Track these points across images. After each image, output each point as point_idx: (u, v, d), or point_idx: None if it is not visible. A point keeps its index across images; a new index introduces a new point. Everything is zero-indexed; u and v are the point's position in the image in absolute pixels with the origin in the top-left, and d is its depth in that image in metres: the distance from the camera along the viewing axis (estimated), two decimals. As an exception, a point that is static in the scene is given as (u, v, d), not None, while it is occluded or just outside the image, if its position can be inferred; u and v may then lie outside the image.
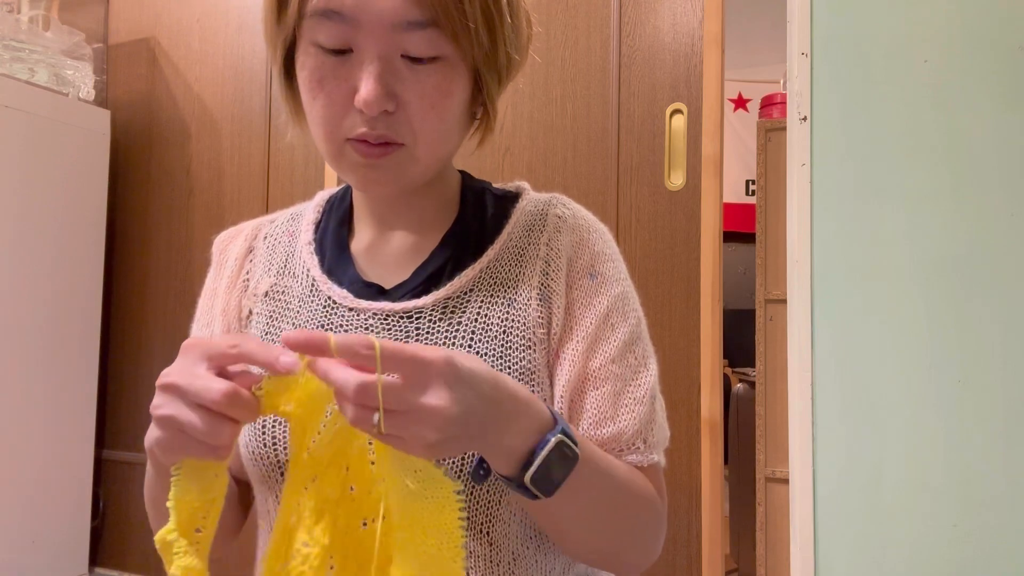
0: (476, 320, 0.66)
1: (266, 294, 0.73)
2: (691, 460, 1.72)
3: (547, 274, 0.69)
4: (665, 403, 0.71)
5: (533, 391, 0.65)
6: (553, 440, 0.53)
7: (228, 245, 0.78)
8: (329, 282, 0.70)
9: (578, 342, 0.67)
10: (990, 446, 1.25)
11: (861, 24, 1.36)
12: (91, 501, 2.27)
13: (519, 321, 0.66)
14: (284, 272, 0.73)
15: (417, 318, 0.66)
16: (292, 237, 0.76)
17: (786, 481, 1.52)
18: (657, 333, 1.71)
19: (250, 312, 0.73)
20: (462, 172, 0.78)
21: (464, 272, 0.68)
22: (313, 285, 0.71)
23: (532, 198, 0.74)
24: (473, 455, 0.61)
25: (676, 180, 1.77)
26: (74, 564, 2.22)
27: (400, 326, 0.66)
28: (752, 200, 3.74)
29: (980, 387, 1.26)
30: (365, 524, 0.52)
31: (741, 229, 3.55)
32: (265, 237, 0.77)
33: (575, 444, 0.55)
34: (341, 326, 0.67)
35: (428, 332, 0.65)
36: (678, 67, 1.79)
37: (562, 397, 0.66)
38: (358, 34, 0.59)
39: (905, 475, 1.29)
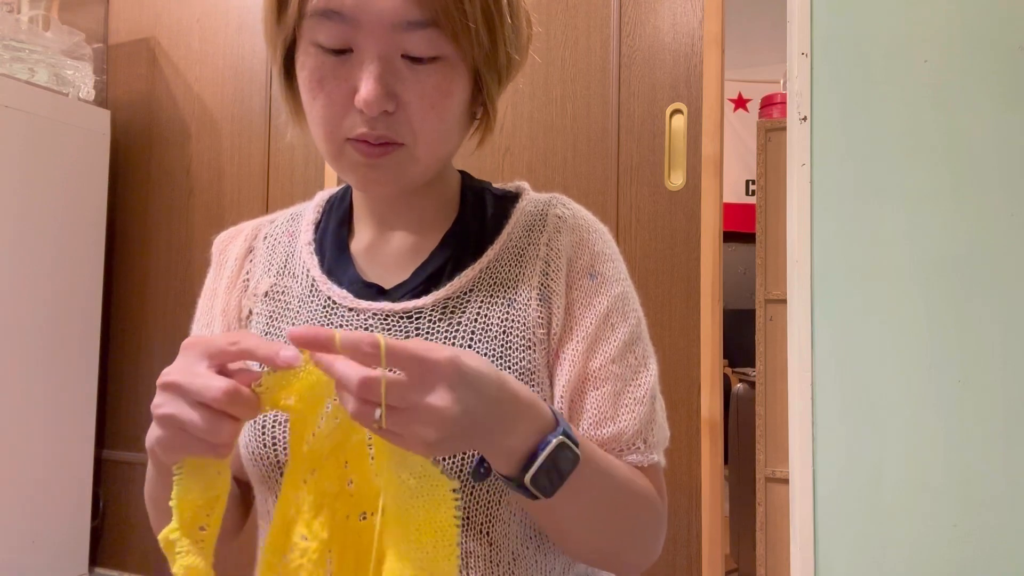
0: (476, 320, 0.66)
1: (266, 294, 0.73)
2: (691, 460, 1.72)
3: (547, 274, 0.69)
4: (665, 403, 0.71)
5: (533, 391, 0.65)
6: (554, 441, 0.53)
7: (228, 245, 0.78)
8: (329, 282, 0.70)
9: (578, 342, 0.67)
10: (990, 446, 1.25)
11: (861, 24, 1.36)
12: (91, 501, 2.27)
13: (519, 321, 0.66)
14: (284, 272, 0.73)
15: (417, 318, 0.66)
16: (292, 237, 0.76)
17: (786, 481, 1.52)
18: (657, 333, 1.71)
19: (250, 312, 0.73)
20: (462, 172, 0.78)
21: (464, 272, 0.68)
22: (313, 285, 0.71)
23: (532, 198, 0.74)
24: (474, 453, 0.61)
25: (676, 180, 1.77)
26: (74, 564, 2.22)
27: (400, 326, 0.66)
28: (752, 200, 3.74)
29: (980, 387, 1.26)
30: (364, 517, 0.53)
31: (741, 229, 3.55)
32: (265, 237, 0.77)
33: (576, 445, 0.55)
34: (341, 326, 0.67)
35: (428, 332, 0.65)
36: (678, 67, 1.79)
37: (562, 397, 0.66)
38: (358, 34, 0.59)
39: (905, 475, 1.29)
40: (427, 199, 0.72)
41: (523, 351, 0.65)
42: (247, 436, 0.67)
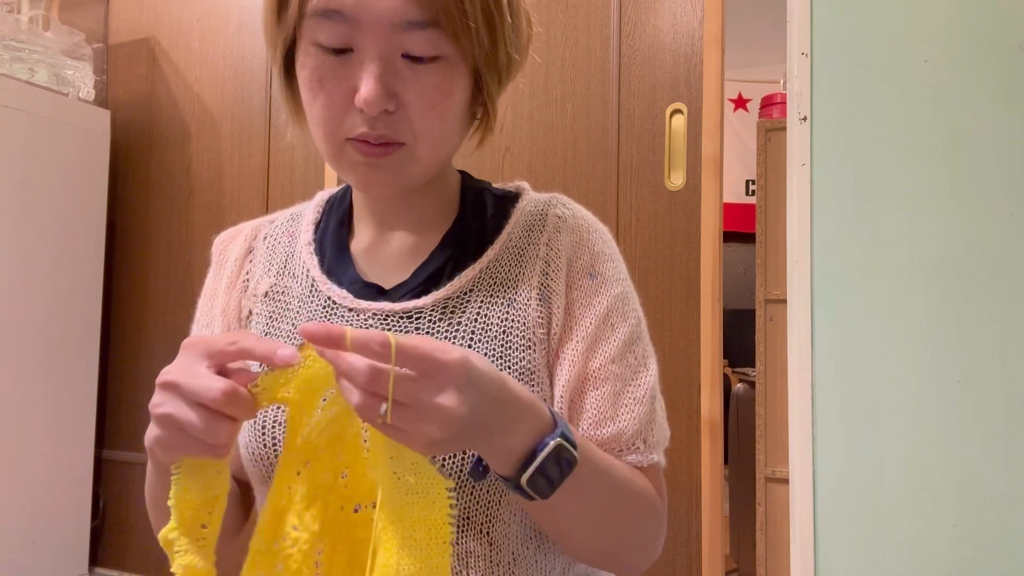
0: (476, 320, 0.66)
1: (266, 294, 0.73)
2: (691, 460, 1.72)
3: (547, 274, 0.69)
4: (665, 403, 0.71)
5: (533, 391, 0.65)
6: (552, 443, 0.53)
7: (228, 245, 0.78)
8: (329, 282, 0.70)
9: (578, 342, 0.67)
10: (990, 446, 1.25)
11: (861, 24, 1.36)
12: (91, 501, 2.27)
13: (519, 321, 0.66)
14: (284, 272, 0.73)
15: (417, 318, 0.66)
16: (292, 237, 0.76)
17: (786, 481, 1.52)
18: (657, 333, 1.71)
19: (250, 312, 0.73)
20: (462, 172, 0.78)
21: (464, 272, 0.68)
22: (313, 285, 0.71)
23: (532, 198, 0.74)
24: (472, 453, 0.61)
25: (676, 180, 1.77)
26: (74, 564, 2.22)
27: (400, 326, 0.66)
28: (752, 200, 3.74)
29: (980, 387, 1.26)
30: (358, 509, 0.53)
31: (741, 229, 3.55)
32: (265, 237, 0.77)
33: (574, 447, 0.55)
34: (341, 326, 0.67)
35: (428, 332, 0.65)
36: (678, 67, 1.79)
37: (562, 397, 0.66)
38: (358, 34, 0.59)
39: (905, 475, 1.29)
40: (427, 199, 0.72)
41: (523, 351, 0.65)
42: (247, 436, 0.67)
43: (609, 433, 0.65)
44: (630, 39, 1.84)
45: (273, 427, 0.65)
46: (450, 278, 0.68)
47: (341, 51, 0.60)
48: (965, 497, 1.25)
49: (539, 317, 0.67)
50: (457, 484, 0.61)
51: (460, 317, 0.66)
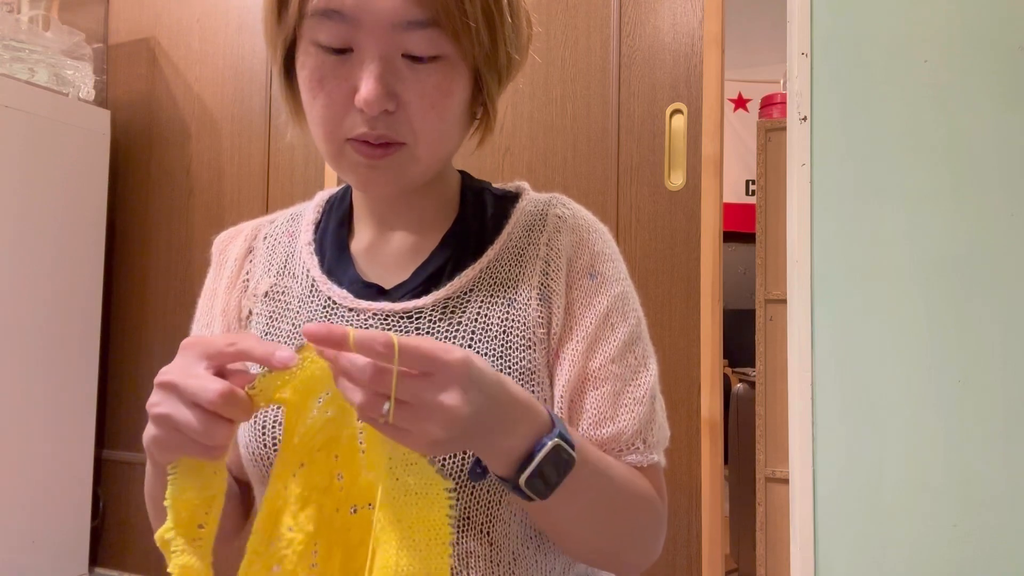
0: (476, 320, 0.66)
1: (266, 294, 0.73)
2: (691, 460, 1.72)
3: (547, 274, 0.69)
4: (665, 403, 0.71)
5: (533, 391, 0.65)
6: (549, 444, 0.53)
7: (228, 245, 0.78)
8: (329, 282, 0.70)
9: (578, 342, 0.67)
10: (990, 446, 1.25)
11: (861, 24, 1.36)
12: (91, 501, 2.27)
13: (519, 321, 0.66)
14: (284, 272, 0.73)
15: (417, 318, 0.66)
16: (292, 237, 0.76)
17: (786, 481, 1.52)
18: (657, 333, 1.71)
19: (250, 312, 0.73)
20: (462, 172, 0.78)
21: (464, 272, 0.68)
22: (313, 285, 0.71)
23: (532, 198, 0.74)
24: (470, 454, 0.61)
25: (676, 180, 1.77)
26: (74, 564, 2.22)
27: (400, 326, 0.66)
28: (752, 200, 3.74)
29: (980, 387, 1.26)
30: (354, 510, 0.53)
31: (741, 229, 3.55)
32: (265, 237, 0.77)
33: (572, 447, 0.55)
34: (341, 326, 0.67)
35: (428, 332, 0.65)
36: (678, 67, 1.79)
37: (562, 397, 0.66)
38: (359, 34, 0.59)
39: (905, 475, 1.29)
40: (427, 199, 0.72)
41: (523, 351, 0.65)
42: (247, 436, 0.67)
43: (609, 433, 0.65)
44: (630, 39, 1.84)
45: (273, 427, 0.65)
46: (450, 278, 0.68)
47: (341, 51, 0.60)
48: (965, 497, 1.25)
49: (539, 317, 0.67)
50: (457, 484, 0.61)
51: (460, 317, 0.66)
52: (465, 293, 0.67)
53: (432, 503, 0.49)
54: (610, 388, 0.66)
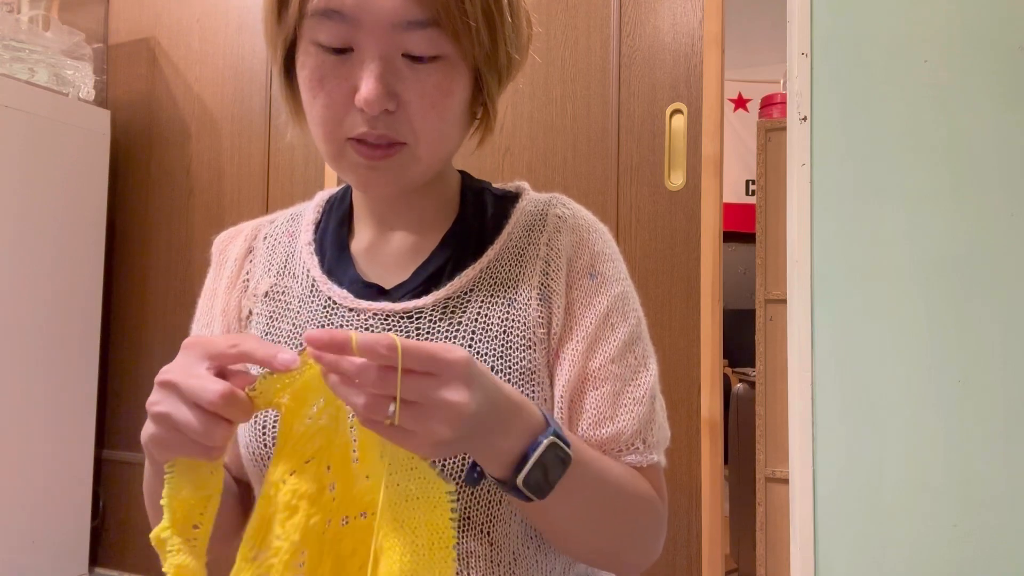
0: (476, 320, 0.66)
1: (266, 294, 0.73)
2: (691, 460, 1.72)
3: (547, 274, 0.69)
4: (665, 403, 0.71)
5: (533, 391, 0.65)
6: (545, 442, 0.53)
7: (228, 245, 0.78)
8: (329, 282, 0.70)
9: (578, 342, 0.67)
10: (990, 446, 1.25)
11: (861, 24, 1.36)
12: (91, 501, 2.27)
13: (519, 321, 0.66)
14: (284, 272, 0.73)
15: (417, 318, 0.66)
16: (292, 237, 0.76)
17: (786, 481, 1.52)
18: (657, 333, 1.71)
19: (250, 312, 0.73)
20: (462, 172, 0.78)
21: (464, 272, 0.68)
22: (313, 285, 0.70)
23: (532, 198, 0.74)
24: (467, 458, 0.61)
25: (676, 180, 1.77)
26: (74, 564, 2.22)
27: (400, 326, 0.66)
28: (752, 200, 3.74)
29: (980, 387, 1.26)
30: (346, 521, 0.52)
31: (741, 229, 3.55)
32: (265, 237, 0.77)
33: (567, 446, 0.55)
34: (341, 326, 0.67)
35: (428, 332, 0.65)
36: (678, 67, 1.79)
37: (562, 397, 0.66)
38: (359, 33, 0.59)
39: (905, 475, 1.29)
40: (427, 199, 0.72)
41: (523, 351, 0.65)
42: (247, 436, 0.67)
43: (608, 433, 0.65)
44: (630, 39, 1.84)
45: (273, 427, 0.65)
46: (450, 278, 0.68)
47: (341, 51, 0.60)
48: (965, 497, 1.25)
49: (539, 317, 0.67)
50: (457, 485, 0.61)
51: (460, 317, 0.66)
52: (465, 293, 0.67)
53: (434, 506, 0.49)
54: (610, 388, 0.66)
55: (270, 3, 0.63)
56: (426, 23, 0.59)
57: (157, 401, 0.49)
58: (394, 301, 0.67)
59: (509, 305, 0.67)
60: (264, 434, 0.65)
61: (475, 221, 0.72)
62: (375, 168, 0.63)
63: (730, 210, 3.22)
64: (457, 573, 0.62)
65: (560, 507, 0.57)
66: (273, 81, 0.71)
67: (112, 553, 2.37)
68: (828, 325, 1.35)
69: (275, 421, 0.65)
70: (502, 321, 0.66)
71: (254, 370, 0.52)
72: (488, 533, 0.63)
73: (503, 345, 0.65)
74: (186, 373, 0.49)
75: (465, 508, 0.62)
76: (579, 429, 0.66)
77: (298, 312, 0.70)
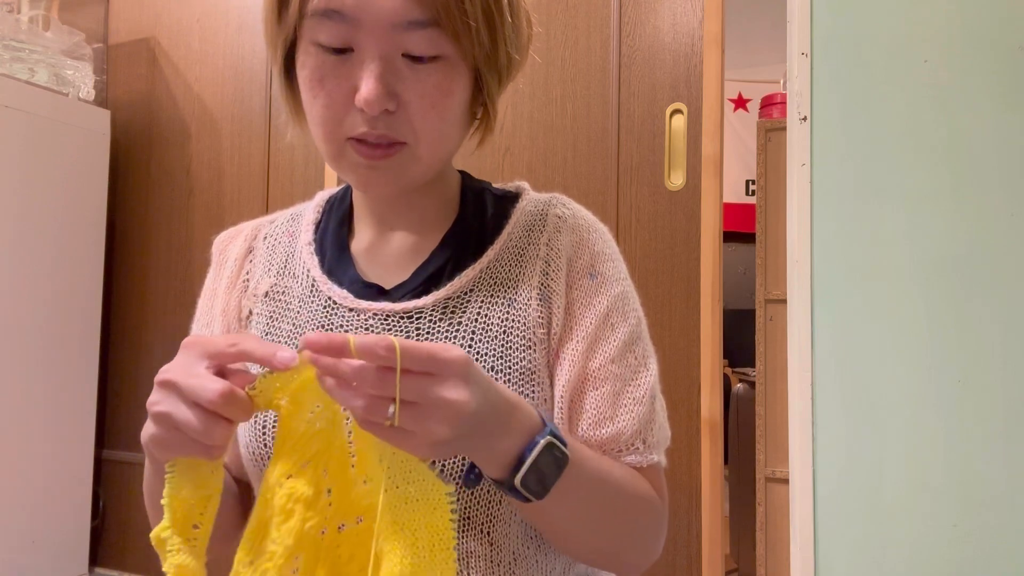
0: (476, 320, 0.66)
1: (266, 294, 0.73)
2: (691, 460, 1.72)
3: (547, 274, 0.69)
4: (665, 403, 0.71)
5: (533, 391, 0.65)
6: (542, 442, 0.53)
7: (228, 245, 0.78)
8: (329, 282, 0.70)
9: (578, 342, 0.67)
10: (990, 446, 1.25)
11: (861, 24, 1.36)
12: (91, 501, 2.27)
13: (519, 321, 0.66)
14: (284, 272, 0.73)
15: (417, 318, 0.66)
16: (292, 237, 0.76)
17: (786, 481, 1.51)
18: (657, 333, 1.71)
19: (250, 312, 0.73)
20: (462, 172, 0.78)
21: (464, 272, 0.68)
22: (313, 285, 0.70)
23: (532, 198, 0.74)
24: (464, 460, 0.61)
25: (676, 180, 1.77)
26: (74, 564, 2.22)
27: (400, 326, 0.66)
28: (752, 200, 3.74)
29: (980, 387, 1.26)
30: (342, 527, 0.52)
31: (741, 229, 3.55)
32: (265, 237, 0.77)
33: (564, 445, 0.55)
34: (341, 326, 0.67)
35: (428, 332, 0.65)
36: (678, 67, 1.79)
37: (562, 397, 0.66)
38: (359, 33, 0.59)
39: (905, 475, 1.29)
40: (427, 199, 0.72)
41: (523, 351, 0.65)
42: (247, 436, 0.67)
43: (608, 433, 0.65)
44: (630, 39, 1.84)
45: (274, 427, 0.65)
46: (450, 278, 0.68)
47: (341, 51, 0.60)
48: (965, 497, 1.25)
49: (539, 317, 0.67)
50: (456, 486, 0.61)
51: (460, 317, 0.66)
52: (465, 293, 0.67)
53: (434, 508, 0.48)
54: (610, 388, 0.66)
55: (270, 3, 0.63)
56: (426, 23, 0.59)
57: (157, 401, 0.49)
58: (394, 301, 0.67)
59: (509, 305, 0.67)
60: (264, 434, 0.65)
61: (475, 221, 0.72)
62: (375, 168, 0.63)
63: (730, 210, 3.22)
64: (457, 573, 0.62)
65: (559, 507, 0.57)
66: (273, 81, 0.71)
67: (112, 553, 2.37)
68: (828, 325, 1.35)
69: (275, 421, 0.65)
70: (502, 321, 0.66)
71: (254, 369, 0.52)
72: (488, 533, 0.63)
73: (503, 345, 0.65)
74: (186, 372, 0.49)
75: (465, 508, 0.62)
76: (579, 429, 0.66)
77: (298, 312, 0.70)
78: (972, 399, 1.26)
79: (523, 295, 0.68)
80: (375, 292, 0.69)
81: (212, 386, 0.47)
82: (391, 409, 0.45)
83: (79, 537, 2.24)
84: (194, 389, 0.48)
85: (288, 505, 0.51)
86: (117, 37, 2.52)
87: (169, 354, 0.50)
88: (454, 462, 0.61)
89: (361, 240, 0.73)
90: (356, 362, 0.45)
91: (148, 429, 0.51)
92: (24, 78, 2.13)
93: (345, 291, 0.69)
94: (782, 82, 2.53)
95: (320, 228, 0.76)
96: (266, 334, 0.70)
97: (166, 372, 0.49)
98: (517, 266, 0.69)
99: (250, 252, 0.76)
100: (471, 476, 0.57)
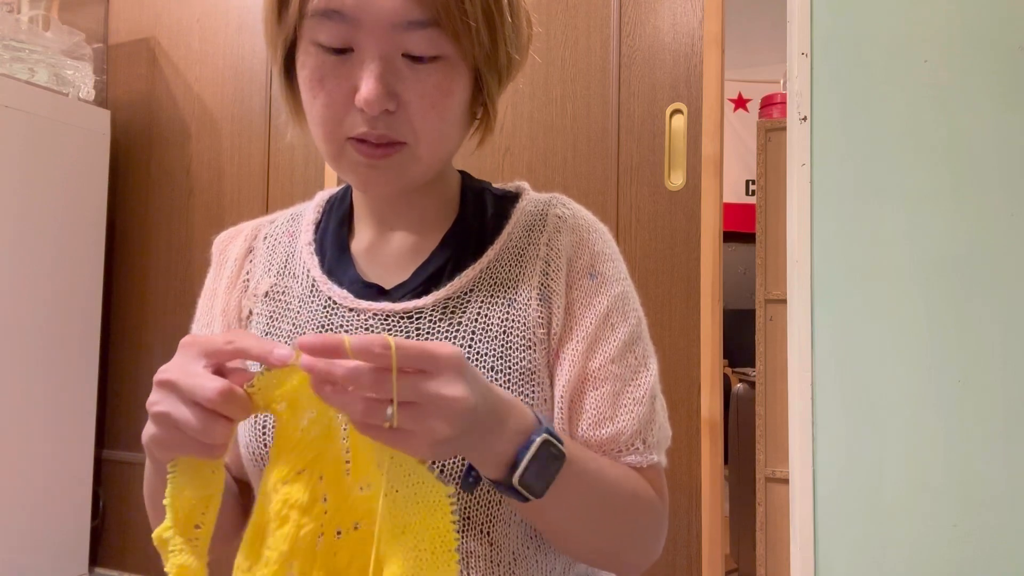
0: (476, 320, 0.66)
1: (266, 294, 0.73)
2: (691, 460, 1.72)
3: (547, 274, 0.69)
4: (665, 403, 0.71)
5: (533, 391, 0.65)
6: (538, 440, 0.53)
7: (228, 245, 0.78)
8: (329, 282, 0.70)
9: (578, 342, 0.67)
10: (990, 446, 1.25)
11: (861, 24, 1.36)
12: (91, 501, 2.27)
13: (519, 321, 0.66)
14: (284, 272, 0.73)
15: (417, 318, 0.66)
16: (292, 237, 0.76)
17: (786, 481, 1.52)
18: (657, 333, 1.71)
19: (250, 312, 0.73)
20: (462, 172, 0.78)
21: (464, 272, 0.68)
22: (313, 285, 0.70)
23: (532, 198, 0.74)
24: (463, 462, 0.61)
25: (676, 180, 1.77)
26: (74, 564, 2.22)
27: (400, 326, 0.66)
28: (752, 200, 3.74)
29: (980, 387, 1.26)
30: (339, 533, 0.52)
31: (741, 229, 3.55)
32: (265, 237, 0.77)
33: (560, 443, 0.55)
34: (341, 326, 0.67)
35: (428, 332, 0.65)
36: (678, 67, 1.79)
37: (562, 397, 0.66)
38: (359, 33, 0.59)
39: (905, 475, 1.29)
40: (427, 199, 0.72)
41: (523, 351, 0.65)
42: (247, 436, 0.67)
43: (608, 433, 0.65)
44: (630, 39, 1.84)
45: (274, 427, 0.65)
46: (450, 278, 0.68)
47: (341, 51, 0.60)
48: (965, 497, 1.25)
49: (539, 317, 0.67)
50: (457, 488, 0.61)
51: (460, 317, 0.66)
52: (465, 293, 0.67)
53: (435, 511, 0.48)
54: (610, 388, 0.66)
55: (270, 3, 0.63)
56: (426, 23, 0.59)
57: (156, 401, 0.49)
58: (394, 301, 0.67)
59: (509, 305, 0.67)
60: (264, 434, 0.65)
61: (475, 221, 0.72)
62: (375, 167, 0.63)
63: (730, 210, 3.22)
64: (458, 574, 0.62)
65: (558, 507, 0.57)
66: (273, 81, 0.71)
67: (112, 553, 2.37)
68: (828, 325, 1.35)
69: (275, 422, 0.65)
70: (502, 321, 0.66)
71: (252, 367, 0.52)
72: (488, 533, 0.63)
73: (503, 345, 0.65)
74: (184, 372, 0.49)
75: (465, 509, 0.62)
76: (579, 429, 0.66)
77: (298, 312, 0.70)
78: (972, 399, 1.26)
79: (523, 295, 0.68)
80: (375, 292, 0.69)
81: (211, 385, 0.47)
82: (389, 411, 0.45)
83: (79, 537, 2.24)
84: (193, 388, 0.48)
85: (283, 511, 0.51)
86: (117, 37, 2.52)
87: (169, 354, 0.50)
88: (453, 464, 0.61)
89: (361, 240, 0.73)
90: (350, 363, 0.45)
91: (149, 430, 0.51)
92: (24, 78, 2.13)
93: (345, 291, 0.69)
94: (782, 82, 2.53)
95: (320, 228, 0.76)
96: (266, 334, 0.70)
97: (165, 372, 0.49)
98: (517, 266, 0.69)
99: (250, 252, 0.76)
100: (470, 478, 0.57)
